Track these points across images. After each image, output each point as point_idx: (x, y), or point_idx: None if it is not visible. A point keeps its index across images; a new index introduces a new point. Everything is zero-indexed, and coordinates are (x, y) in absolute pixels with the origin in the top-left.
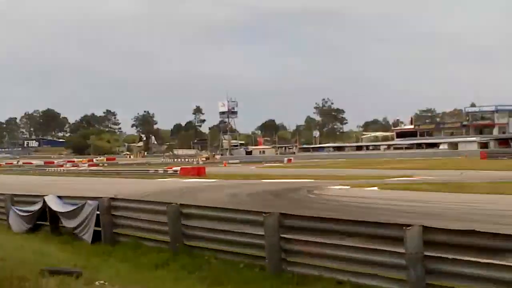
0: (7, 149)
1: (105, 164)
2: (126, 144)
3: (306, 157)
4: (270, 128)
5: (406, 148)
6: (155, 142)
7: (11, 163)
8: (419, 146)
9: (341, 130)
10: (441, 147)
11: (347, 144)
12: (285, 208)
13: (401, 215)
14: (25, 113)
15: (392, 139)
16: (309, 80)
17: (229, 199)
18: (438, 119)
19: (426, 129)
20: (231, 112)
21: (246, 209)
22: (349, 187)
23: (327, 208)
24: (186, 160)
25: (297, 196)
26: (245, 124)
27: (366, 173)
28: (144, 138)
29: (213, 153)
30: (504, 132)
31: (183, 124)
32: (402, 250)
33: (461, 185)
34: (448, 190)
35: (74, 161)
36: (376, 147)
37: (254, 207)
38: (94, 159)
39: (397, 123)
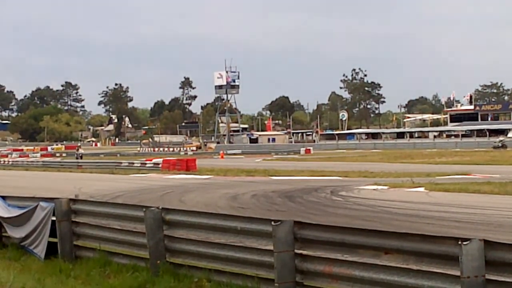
0: None
1: (64, 155)
2: (92, 127)
3: (330, 147)
4: (282, 108)
5: (464, 135)
6: (130, 126)
7: None
8: (480, 133)
9: (376, 111)
10: (510, 134)
11: (385, 130)
12: (302, 215)
13: (456, 226)
14: None
15: (445, 123)
16: (334, 45)
17: (227, 202)
18: (506, 98)
19: (491, 111)
20: (231, 86)
21: (250, 216)
22: (386, 187)
23: (357, 215)
24: (171, 149)
25: (317, 199)
26: (249, 102)
27: (409, 169)
28: (115, 120)
29: (206, 141)
30: None
31: (166, 101)
32: (456, 273)
33: None
34: None
35: (22, 150)
36: (424, 134)
37: (260, 213)
38: (49, 148)
39: (451, 102)
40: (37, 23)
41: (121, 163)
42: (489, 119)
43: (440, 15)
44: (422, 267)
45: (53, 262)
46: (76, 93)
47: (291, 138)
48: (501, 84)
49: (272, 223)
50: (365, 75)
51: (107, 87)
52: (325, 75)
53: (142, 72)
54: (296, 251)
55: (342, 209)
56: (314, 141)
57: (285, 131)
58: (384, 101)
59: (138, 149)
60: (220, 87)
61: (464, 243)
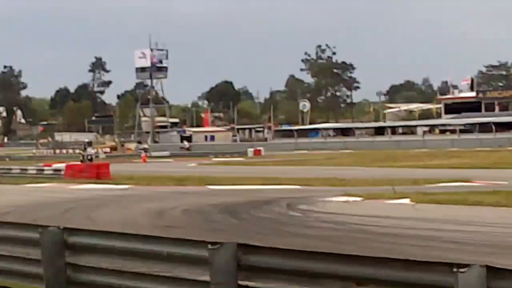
0: None
1: None
2: None
3: (287, 147)
4: (224, 97)
5: (463, 131)
6: (23, 121)
7: None
8: (484, 128)
9: (349, 100)
10: None
11: (359, 125)
12: (248, 235)
13: (450, 248)
14: None
15: (438, 115)
16: (293, 13)
17: (150, 220)
18: None
19: (498, 99)
20: (157, 69)
21: (180, 238)
22: (360, 198)
23: (321, 236)
24: (77, 151)
25: (269, 214)
26: (181, 90)
27: (390, 174)
28: (3, 114)
29: (124, 140)
30: None
31: (71, 89)
32: None
33: None
34: None
35: None
36: (410, 130)
37: (194, 234)
38: None
39: (446, 88)
40: None
41: (10, 169)
42: (497, 108)
43: None
44: None
45: None
46: None
47: (235, 136)
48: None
49: (209, 246)
50: (334, 53)
51: None
52: (280, 54)
53: (39, 52)
54: (240, 282)
55: (301, 228)
56: (266, 139)
57: (228, 127)
58: (358, 87)
59: (34, 151)
60: (143, 69)
61: (461, 270)
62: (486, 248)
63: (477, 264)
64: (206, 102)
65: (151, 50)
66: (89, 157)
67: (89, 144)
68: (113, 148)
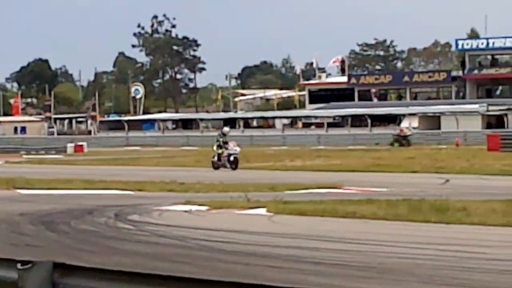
0: None
1: None
2: None
3: (116, 142)
4: (38, 79)
5: (331, 125)
6: None
7: None
8: (358, 121)
9: (192, 85)
10: (404, 124)
11: (205, 116)
12: (67, 252)
13: (314, 271)
14: None
15: (302, 105)
16: None
17: None
18: (400, 65)
19: (375, 85)
20: None
21: None
22: (206, 208)
23: (157, 254)
24: None
25: (93, 226)
26: None
27: (243, 178)
28: None
29: None
30: None
31: None
32: None
33: (441, 207)
34: (420, 218)
35: None
36: (267, 123)
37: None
38: None
39: (311, 71)
40: None
41: None
42: (374, 98)
43: None
44: None
45: None
46: None
47: (52, 128)
48: (392, 42)
49: (19, 265)
50: (173, 26)
51: None
52: (108, 26)
53: None
54: None
55: (132, 244)
56: (90, 132)
57: (43, 116)
58: (203, 69)
59: None
60: None
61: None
62: (359, 272)
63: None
64: (15, 84)
65: None
66: None
67: None
68: None
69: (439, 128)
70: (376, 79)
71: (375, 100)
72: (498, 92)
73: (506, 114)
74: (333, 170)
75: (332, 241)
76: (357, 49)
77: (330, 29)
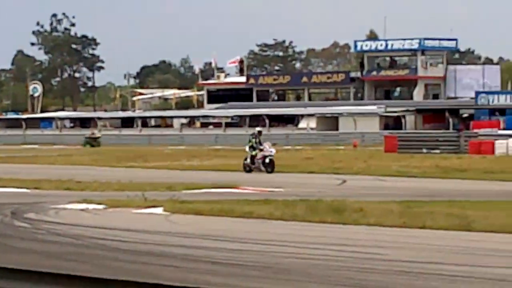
0: None
1: None
2: None
3: (13, 140)
4: None
5: (229, 124)
6: None
7: None
8: (256, 120)
9: (90, 84)
10: (302, 124)
11: (102, 114)
12: None
13: (210, 271)
14: None
15: (200, 104)
16: None
17: None
18: (298, 65)
19: (274, 86)
20: None
21: None
22: (103, 206)
23: (52, 253)
24: None
25: None
26: None
27: (140, 177)
28: None
29: None
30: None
31: None
32: None
33: (338, 207)
34: (317, 219)
35: None
36: (165, 122)
37: None
38: None
39: (211, 71)
40: None
41: None
42: (271, 98)
43: None
44: None
45: None
46: None
47: None
48: (291, 43)
49: None
50: (73, 25)
51: None
52: (6, 22)
53: None
54: None
55: (29, 242)
56: None
57: None
58: (102, 67)
59: None
60: None
61: None
62: (256, 271)
63: None
64: None
65: None
66: None
67: None
68: None
69: (337, 129)
70: (274, 79)
71: (273, 100)
72: (396, 93)
73: (404, 116)
74: (231, 170)
75: (229, 241)
76: (256, 49)
77: (229, 29)
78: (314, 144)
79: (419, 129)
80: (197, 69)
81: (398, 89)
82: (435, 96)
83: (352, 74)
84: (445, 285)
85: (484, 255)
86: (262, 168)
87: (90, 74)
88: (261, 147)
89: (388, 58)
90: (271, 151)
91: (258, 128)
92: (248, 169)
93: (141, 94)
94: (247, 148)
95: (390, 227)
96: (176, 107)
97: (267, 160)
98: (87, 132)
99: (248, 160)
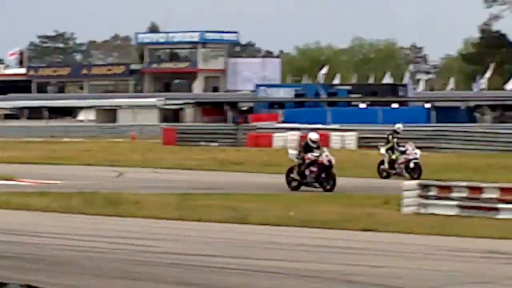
0: None
1: None
2: None
3: None
4: None
5: (8, 116)
6: None
7: None
8: (35, 112)
9: None
10: (82, 117)
11: None
12: None
13: None
14: None
15: None
16: None
17: None
18: (79, 57)
19: (52, 77)
20: None
21: None
22: None
23: None
24: None
25: None
26: None
27: None
28: None
29: None
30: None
31: None
32: None
33: (114, 200)
34: (94, 211)
35: None
36: None
37: None
38: None
39: None
40: None
41: None
42: (50, 90)
43: None
44: None
45: None
46: None
47: None
48: (72, 34)
49: None
50: None
51: None
52: None
53: None
54: None
55: None
56: None
57: None
58: None
59: None
60: None
61: None
62: (27, 263)
63: (16, 283)
64: None
65: None
66: None
67: None
68: None
69: (115, 121)
70: (54, 71)
71: (53, 92)
72: (175, 85)
73: (182, 108)
74: (8, 162)
75: (4, 233)
76: (37, 41)
77: (9, 20)
78: (93, 137)
79: (198, 122)
80: None
81: (177, 81)
82: (215, 89)
83: (133, 67)
84: (216, 278)
85: (260, 248)
86: (406, 174)
87: None
88: (403, 149)
89: (169, 51)
90: (415, 153)
91: (398, 125)
92: (385, 175)
93: None
94: (382, 151)
95: (166, 220)
96: None
97: (411, 165)
98: None
99: (386, 165)
